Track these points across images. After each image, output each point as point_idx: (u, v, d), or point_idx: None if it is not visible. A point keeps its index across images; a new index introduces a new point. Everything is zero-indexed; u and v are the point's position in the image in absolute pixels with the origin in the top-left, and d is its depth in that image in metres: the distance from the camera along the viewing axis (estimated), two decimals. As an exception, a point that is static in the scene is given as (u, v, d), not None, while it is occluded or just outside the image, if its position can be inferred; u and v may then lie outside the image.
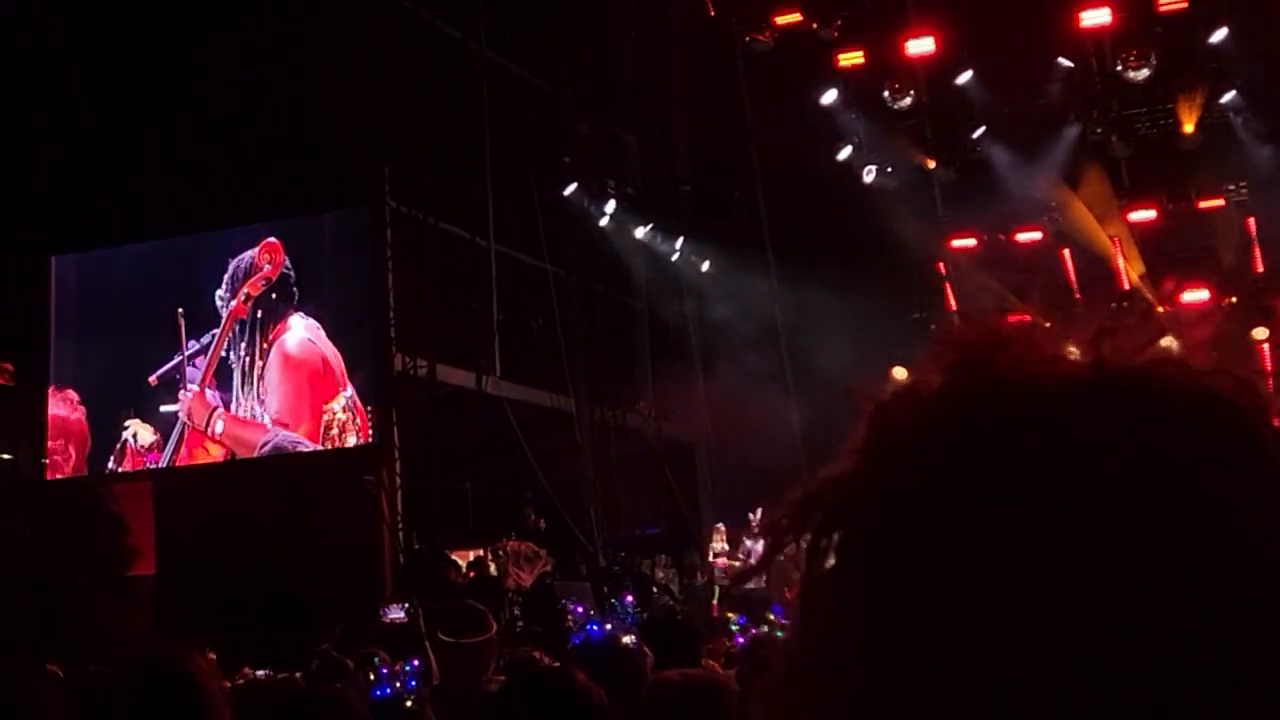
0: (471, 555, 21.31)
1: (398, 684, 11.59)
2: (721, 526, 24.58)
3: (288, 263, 22.14)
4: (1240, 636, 0.74)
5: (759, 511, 24.26)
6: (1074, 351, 0.86)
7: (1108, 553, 0.76)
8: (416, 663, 12.10)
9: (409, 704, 9.89)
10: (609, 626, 18.44)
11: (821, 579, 0.84)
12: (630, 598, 21.58)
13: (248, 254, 22.31)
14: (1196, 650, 0.74)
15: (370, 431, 21.34)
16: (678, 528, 25.47)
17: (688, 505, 26.45)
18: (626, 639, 14.37)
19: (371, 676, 13.36)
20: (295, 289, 22.11)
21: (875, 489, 0.84)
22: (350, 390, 21.47)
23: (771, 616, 19.80)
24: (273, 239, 22.16)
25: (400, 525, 21.44)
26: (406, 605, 18.59)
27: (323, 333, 21.85)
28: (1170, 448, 0.78)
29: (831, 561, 0.85)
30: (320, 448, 21.47)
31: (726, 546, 24.35)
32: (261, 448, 21.86)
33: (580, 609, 19.86)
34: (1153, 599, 0.75)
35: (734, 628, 16.66)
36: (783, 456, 25.54)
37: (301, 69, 20.48)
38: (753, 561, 23.92)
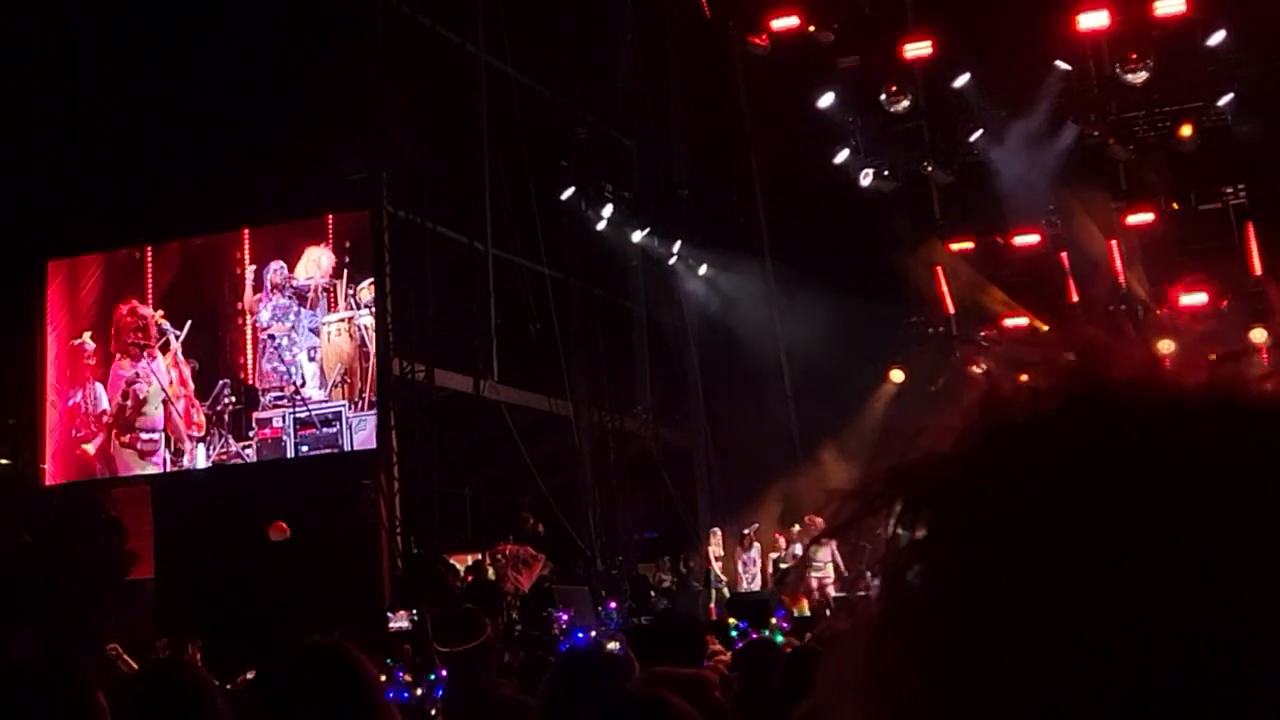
0: (470, 560, 21.35)
1: (419, 691, 11.61)
2: (718, 530, 24.64)
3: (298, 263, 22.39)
4: None
5: (753, 527, 24.35)
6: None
7: (1207, 570, 0.77)
8: (445, 672, 12.12)
9: (433, 713, 9.92)
10: (594, 634, 18.49)
11: (911, 550, 0.85)
12: (614, 604, 21.64)
13: (271, 261, 22.48)
14: None
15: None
16: (676, 532, 25.50)
17: (685, 509, 26.49)
18: (612, 645, 14.36)
19: (384, 678, 13.41)
20: (307, 290, 22.31)
21: (983, 467, 0.84)
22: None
23: (774, 620, 19.91)
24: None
25: (398, 529, 21.48)
26: (414, 613, 18.67)
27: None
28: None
29: (921, 533, 0.85)
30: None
31: (722, 551, 24.43)
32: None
33: (565, 617, 19.86)
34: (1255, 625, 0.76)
35: (734, 633, 16.72)
36: (780, 460, 25.65)
37: (301, 74, 20.56)
38: (752, 570, 23.97)
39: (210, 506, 21.07)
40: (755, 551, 24.19)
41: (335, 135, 20.87)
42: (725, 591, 23.78)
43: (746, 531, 24.29)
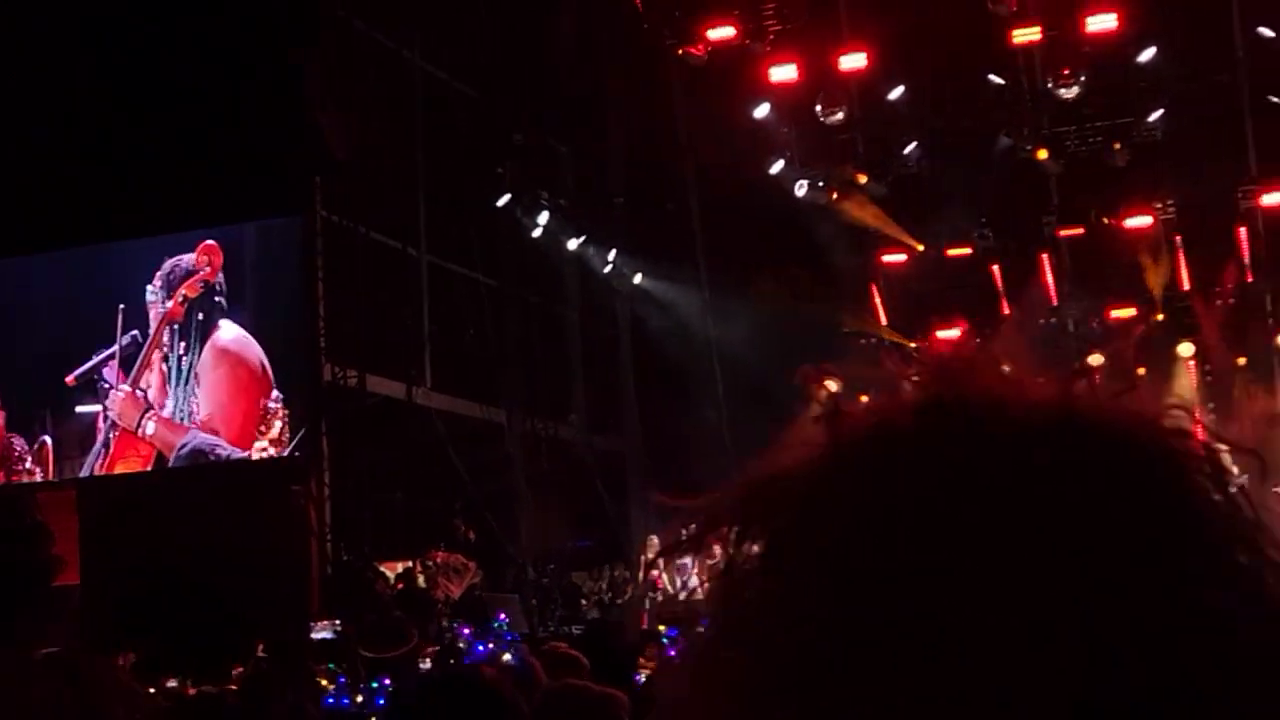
0: (400, 567, 21.23)
1: (359, 699, 11.59)
2: (655, 539, 24.57)
3: (224, 267, 22.11)
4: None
5: (692, 528, 24.33)
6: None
7: (1037, 582, 0.78)
8: (387, 681, 12.11)
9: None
10: (490, 646, 18.44)
11: (754, 568, 0.85)
12: (504, 616, 21.49)
13: (185, 257, 22.20)
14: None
15: (289, 439, 21.33)
16: (609, 540, 25.46)
17: (618, 518, 26.46)
18: (506, 657, 14.35)
19: (327, 684, 13.34)
20: (228, 294, 22.06)
21: (823, 486, 0.85)
22: (277, 395, 21.48)
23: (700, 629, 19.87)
24: (211, 241, 22.07)
25: (328, 537, 21.36)
26: (337, 623, 18.54)
27: (254, 338, 21.83)
28: (1103, 500, 0.80)
29: (760, 549, 0.85)
30: (244, 452, 21.44)
31: (660, 560, 24.37)
32: (180, 449, 21.77)
33: (467, 631, 19.74)
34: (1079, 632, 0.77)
35: (665, 640, 16.70)
36: (714, 469, 25.62)
37: (235, 77, 20.41)
38: (690, 575, 23.97)
39: (137, 510, 20.85)
40: (689, 559, 24.18)
41: (268, 138, 20.72)
42: (660, 599, 23.75)
43: (653, 539, 24.30)
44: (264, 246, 22.21)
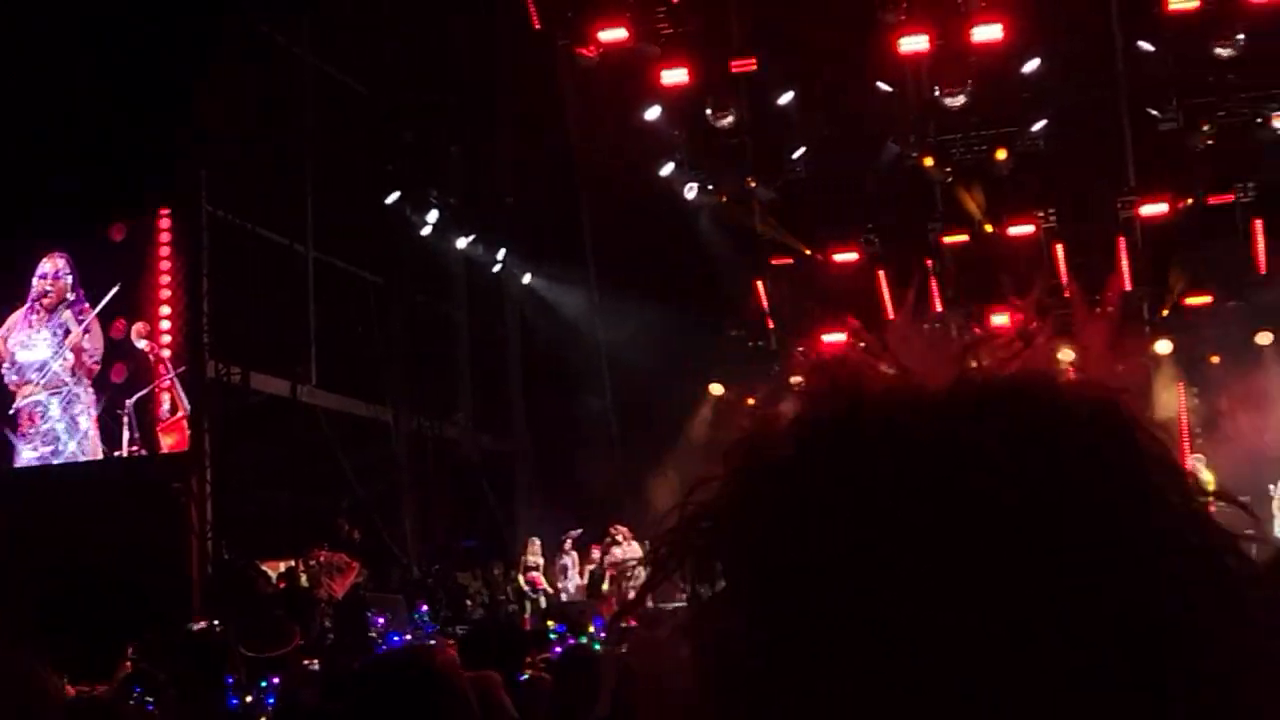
0: (283, 566, 21.02)
1: (248, 698, 11.46)
2: (537, 540, 24.58)
3: (79, 267, 21.92)
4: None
5: (575, 533, 24.37)
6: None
7: (965, 563, 0.78)
8: (276, 680, 11.98)
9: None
10: (409, 637, 18.42)
11: (712, 606, 0.86)
12: (425, 606, 21.52)
13: (54, 257, 21.92)
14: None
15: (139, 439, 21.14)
16: (494, 541, 25.40)
17: (504, 518, 26.40)
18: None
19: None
20: (97, 292, 21.80)
21: (753, 511, 0.85)
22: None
23: (591, 629, 19.98)
24: (61, 249, 22.06)
25: (209, 535, 21.08)
26: (215, 622, 18.31)
27: (131, 333, 21.63)
28: (1017, 463, 0.81)
29: (720, 585, 0.86)
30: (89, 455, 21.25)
31: (541, 560, 24.37)
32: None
33: (382, 620, 19.76)
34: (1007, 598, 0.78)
35: (552, 636, 16.72)
36: (601, 470, 25.72)
37: (121, 69, 20.08)
38: (571, 577, 24.00)
39: (15, 508, 20.45)
40: (572, 559, 24.21)
41: (153, 133, 20.43)
42: (542, 601, 23.73)
43: (566, 537, 24.30)
44: (153, 241, 21.96)
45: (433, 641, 14.11)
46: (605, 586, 23.67)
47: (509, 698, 5.12)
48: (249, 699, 14.22)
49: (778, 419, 0.88)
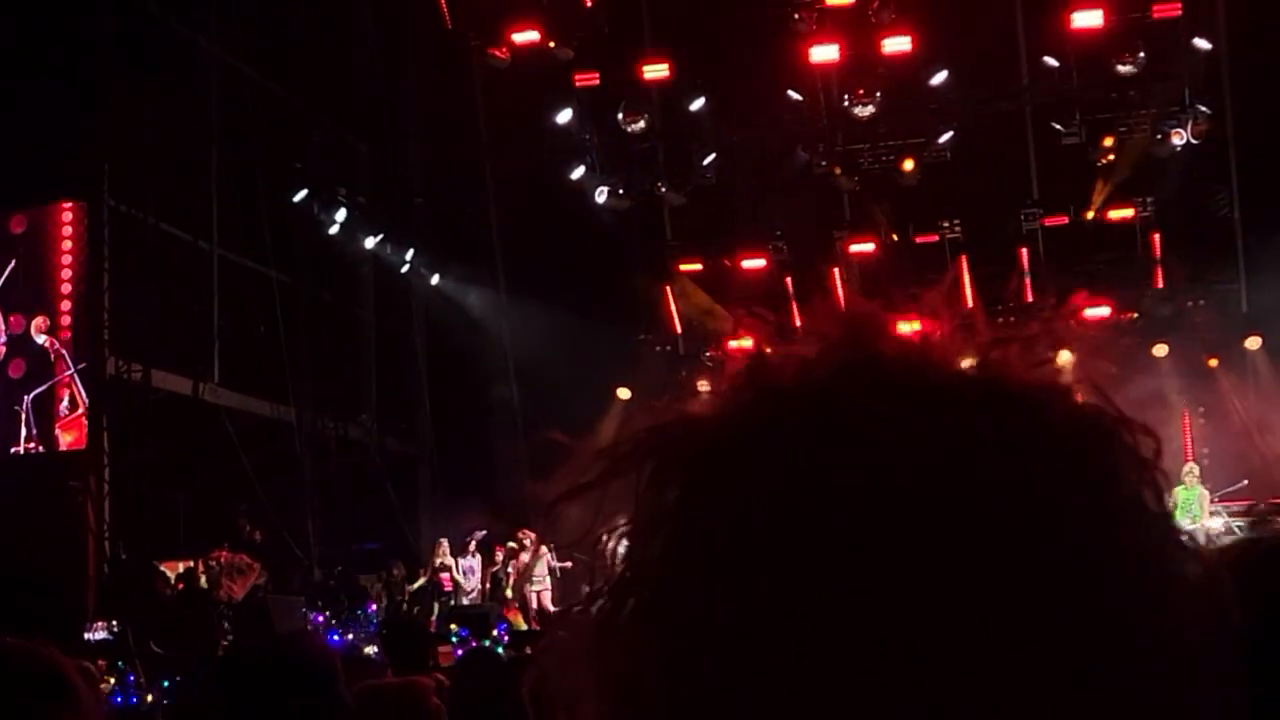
0: (181, 567, 20.80)
1: (149, 697, 11.36)
2: (444, 542, 24.49)
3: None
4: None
5: (479, 535, 24.32)
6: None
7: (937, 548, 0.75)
8: (179, 679, 11.90)
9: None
10: (350, 636, 18.39)
11: (664, 515, 0.81)
12: (374, 606, 21.52)
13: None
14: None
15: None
16: (396, 543, 25.27)
17: (407, 521, 26.27)
18: (369, 650, 14.32)
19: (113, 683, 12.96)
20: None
21: (745, 430, 0.80)
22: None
23: (495, 632, 20.04)
24: None
25: (107, 534, 20.81)
26: (114, 623, 18.10)
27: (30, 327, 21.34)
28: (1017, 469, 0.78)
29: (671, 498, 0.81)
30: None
31: (451, 561, 24.27)
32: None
33: (320, 619, 19.77)
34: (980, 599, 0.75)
35: (454, 640, 16.71)
36: (506, 473, 25.67)
37: (23, 60, 19.78)
38: (473, 579, 23.92)
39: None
40: (476, 561, 24.14)
41: (55, 123, 20.16)
42: (451, 603, 23.64)
43: (470, 539, 24.25)
44: (52, 233, 21.65)
45: (370, 649, 13.99)
46: (509, 592, 23.66)
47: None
48: (149, 698, 14.07)
49: (787, 357, 0.85)
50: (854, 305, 0.88)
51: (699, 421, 0.83)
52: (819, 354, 0.84)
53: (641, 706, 0.79)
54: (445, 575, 24.16)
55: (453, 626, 19.19)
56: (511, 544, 24.21)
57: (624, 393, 26.31)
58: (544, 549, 23.91)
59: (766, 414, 0.81)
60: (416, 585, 23.81)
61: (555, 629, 0.87)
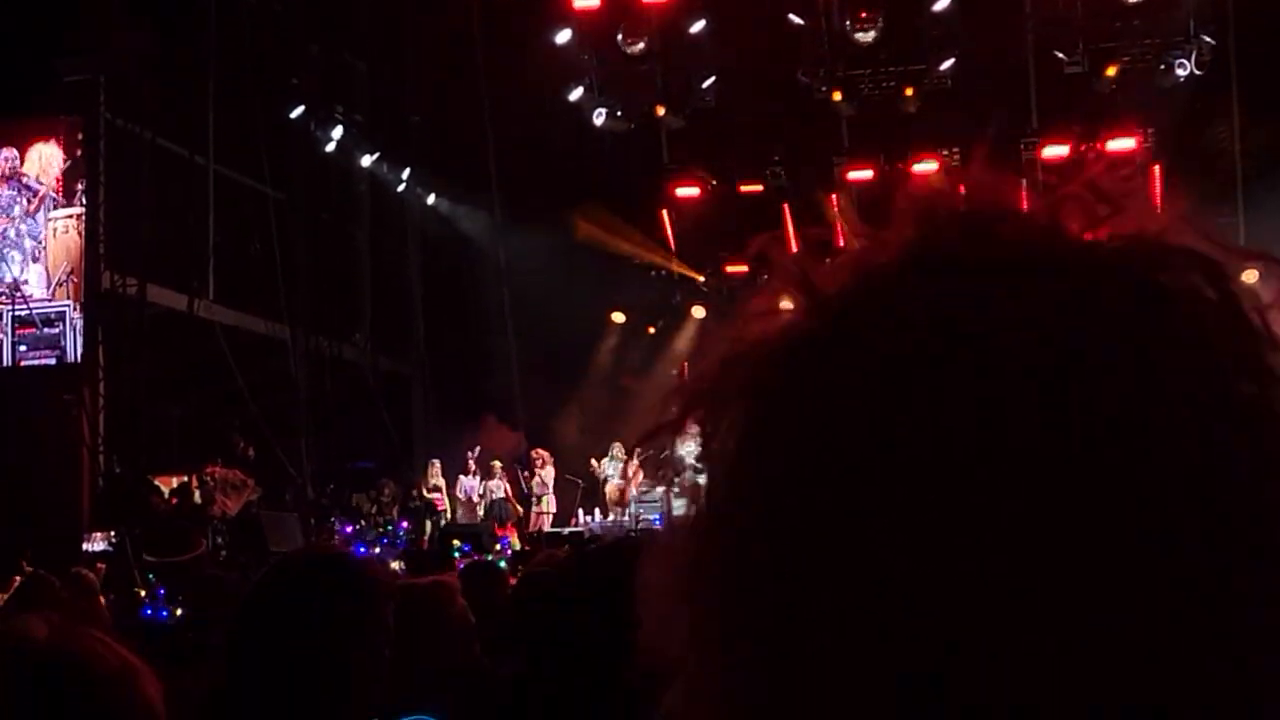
0: (175, 481, 20.99)
1: (177, 611, 11.49)
2: (437, 462, 24.72)
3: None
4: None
5: (475, 451, 24.53)
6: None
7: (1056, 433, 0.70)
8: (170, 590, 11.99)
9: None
10: (377, 550, 18.63)
11: (733, 449, 0.78)
12: (405, 524, 21.78)
13: None
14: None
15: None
16: (390, 462, 25.47)
17: (400, 440, 26.44)
18: (394, 565, 14.38)
19: (144, 594, 13.12)
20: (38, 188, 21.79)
21: (819, 351, 0.76)
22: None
23: (498, 547, 20.32)
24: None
25: (101, 448, 20.99)
26: (112, 535, 18.30)
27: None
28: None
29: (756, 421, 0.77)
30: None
31: (443, 481, 24.51)
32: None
33: (349, 530, 19.96)
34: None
35: (457, 554, 16.94)
36: (500, 394, 25.85)
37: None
38: (473, 495, 24.14)
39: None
40: (475, 480, 24.38)
41: (51, 34, 20.13)
42: (442, 522, 23.87)
43: (469, 458, 24.44)
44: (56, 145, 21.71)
45: (396, 565, 14.04)
46: (518, 507, 23.93)
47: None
48: (178, 612, 14.14)
49: (850, 265, 0.80)
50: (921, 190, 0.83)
51: (761, 348, 0.79)
52: (879, 255, 0.79)
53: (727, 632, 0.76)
54: (437, 495, 24.39)
55: (455, 542, 19.39)
56: (496, 463, 24.46)
57: (618, 316, 26.48)
58: (551, 470, 24.23)
59: (825, 332, 0.77)
60: (416, 505, 24.06)
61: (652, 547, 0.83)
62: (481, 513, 24.19)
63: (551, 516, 24.09)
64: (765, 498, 0.75)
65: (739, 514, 0.76)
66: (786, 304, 0.80)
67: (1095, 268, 0.75)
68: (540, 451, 24.39)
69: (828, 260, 0.81)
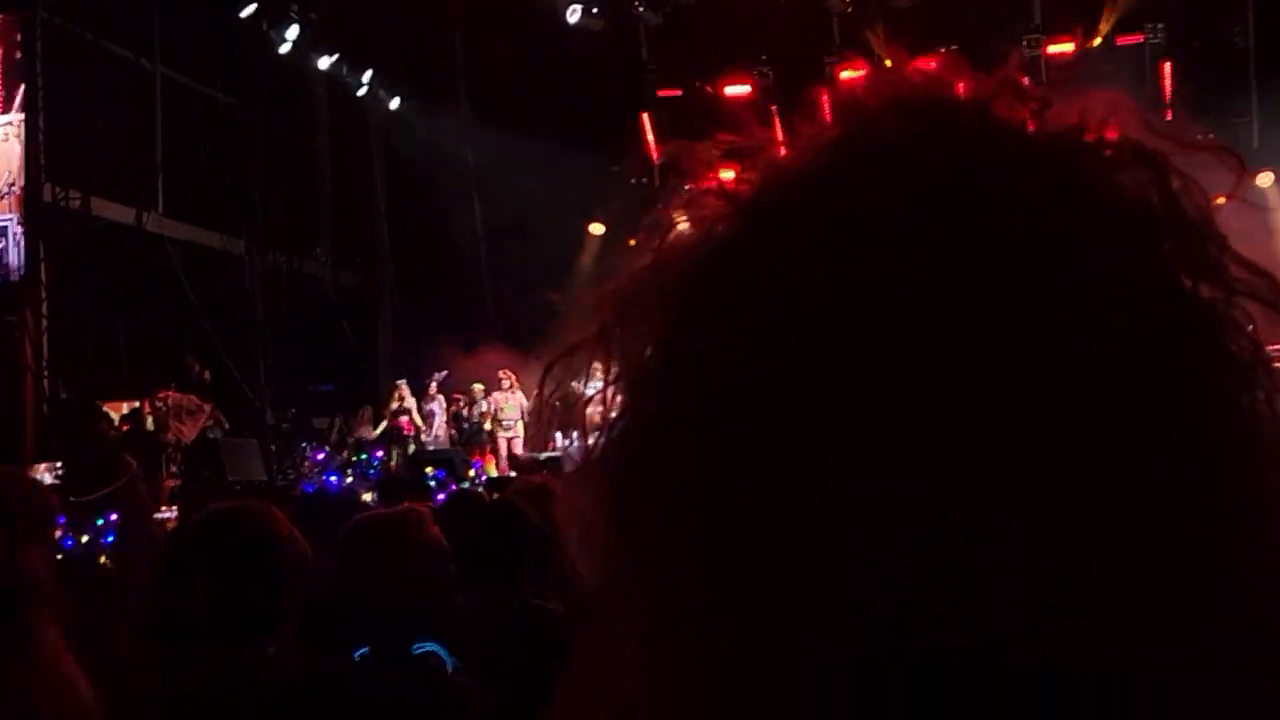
0: (126, 407, 20.80)
1: (84, 538, 11.40)
2: (403, 383, 24.53)
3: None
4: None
5: (441, 375, 24.37)
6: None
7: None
8: (115, 516, 11.89)
9: (103, 560, 9.74)
10: (350, 479, 18.58)
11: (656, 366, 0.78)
12: (380, 453, 21.65)
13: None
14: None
15: None
16: (353, 384, 25.33)
17: (365, 360, 26.28)
18: (366, 496, 14.44)
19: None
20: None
21: (775, 215, 0.78)
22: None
23: (471, 473, 20.29)
24: None
25: (45, 372, 20.75)
26: (58, 465, 18.14)
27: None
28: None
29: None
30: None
31: (411, 403, 24.35)
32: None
33: (321, 455, 19.85)
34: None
35: (431, 483, 16.83)
36: (470, 311, 25.67)
37: None
38: (438, 423, 24.02)
39: None
40: (439, 404, 24.25)
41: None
42: (411, 448, 23.76)
43: (430, 381, 24.26)
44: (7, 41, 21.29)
45: (367, 496, 14.08)
46: (488, 427, 23.78)
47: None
48: (84, 539, 14.03)
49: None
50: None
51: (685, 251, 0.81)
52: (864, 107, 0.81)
53: (643, 548, 0.77)
54: (404, 419, 24.19)
55: (428, 469, 19.26)
56: (477, 385, 24.30)
57: (596, 228, 26.23)
58: (518, 393, 24.03)
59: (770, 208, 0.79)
60: (379, 431, 23.88)
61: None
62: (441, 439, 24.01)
63: (519, 441, 23.99)
64: (716, 391, 0.74)
65: (682, 419, 0.75)
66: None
67: (1026, 160, 0.76)
68: (508, 372, 24.18)
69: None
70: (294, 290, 25.07)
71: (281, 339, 24.26)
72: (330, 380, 25.01)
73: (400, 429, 23.96)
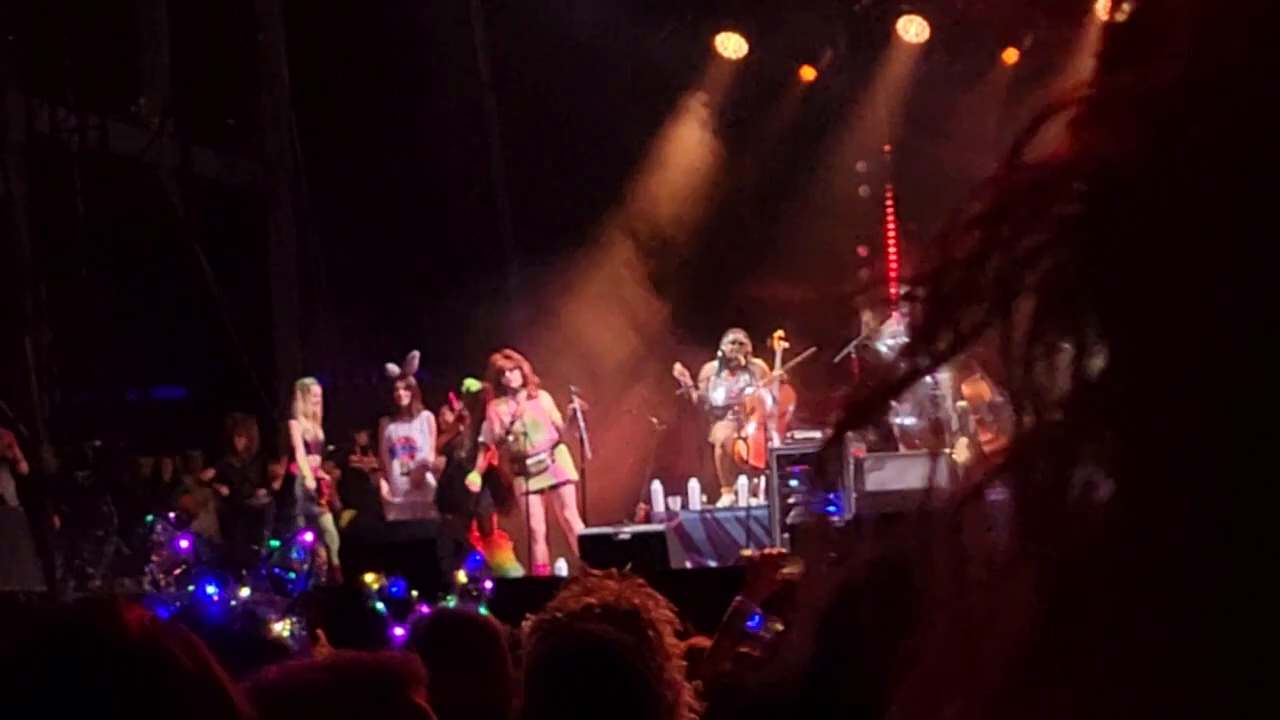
0: None
1: None
2: (315, 388, 14.55)
3: None
4: None
5: (414, 356, 14.70)
6: None
7: None
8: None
9: None
10: (250, 593, 14.65)
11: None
12: (309, 536, 12.70)
13: None
14: None
15: None
16: (226, 381, 15.66)
17: (249, 332, 15.68)
18: (279, 627, 15.74)
19: None
20: None
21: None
22: None
23: (463, 578, 15.64)
24: None
25: None
26: None
27: None
28: None
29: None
30: None
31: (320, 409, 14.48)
32: None
33: (186, 542, 12.23)
34: None
35: (379, 605, 11.30)
36: (460, 240, 15.83)
37: None
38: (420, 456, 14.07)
39: None
40: (422, 421, 14.61)
41: None
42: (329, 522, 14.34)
43: (402, 377, 14.01)
44: None
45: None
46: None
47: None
48: None
49: None
50: None
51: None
52: None
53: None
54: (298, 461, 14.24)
55: (368, 579, 9.29)
56: (472, 381, 14.38)
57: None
58: (544, 397, 14.06)
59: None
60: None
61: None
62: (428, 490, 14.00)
63: (570, 492, 14.15)
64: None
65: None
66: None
67: None
68: (513, 355, 14.17)
69: None
70: (93, 183, 14.86)
71: (70, 292, 14.18)
72: (178, 379, 15.69)
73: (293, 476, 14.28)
